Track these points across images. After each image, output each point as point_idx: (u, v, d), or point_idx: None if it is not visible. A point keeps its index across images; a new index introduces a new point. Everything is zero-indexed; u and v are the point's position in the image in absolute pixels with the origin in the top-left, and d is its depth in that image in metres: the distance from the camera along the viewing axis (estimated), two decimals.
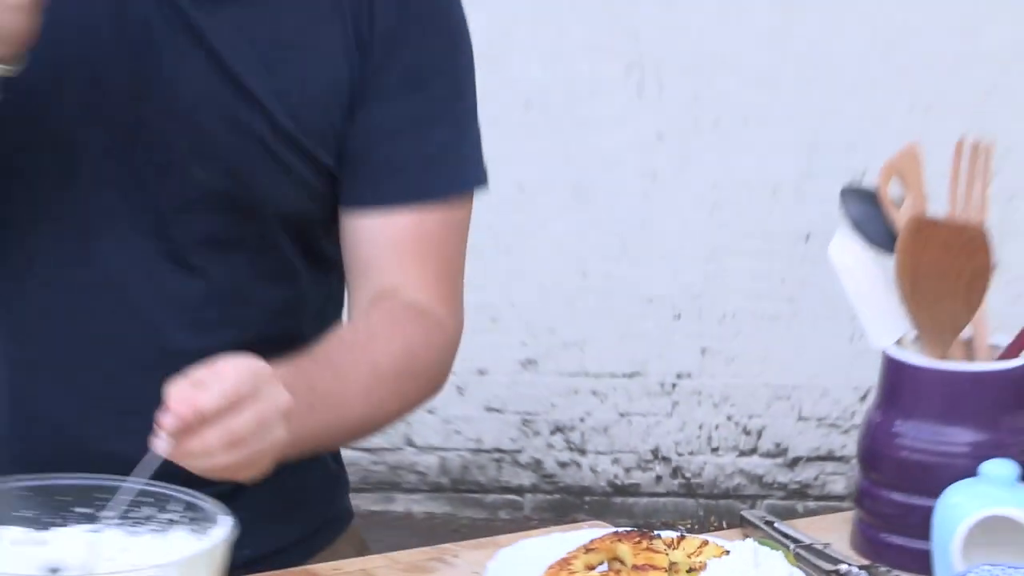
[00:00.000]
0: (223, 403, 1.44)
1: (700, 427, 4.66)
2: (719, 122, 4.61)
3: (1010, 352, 1.72)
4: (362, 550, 1.96)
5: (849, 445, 4.61)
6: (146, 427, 1.47)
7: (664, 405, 4.65)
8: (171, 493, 1.46)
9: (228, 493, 1.64)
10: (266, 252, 1.78)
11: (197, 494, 1.45)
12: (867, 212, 1.76)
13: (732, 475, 4.68)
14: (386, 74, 1.78)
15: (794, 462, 4.68)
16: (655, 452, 4.68)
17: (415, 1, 1.80)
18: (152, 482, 1.47)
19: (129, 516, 1.48)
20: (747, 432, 4.67)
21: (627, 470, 4.68)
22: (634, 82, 4.59)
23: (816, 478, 4.68)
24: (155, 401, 1.47)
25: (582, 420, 4.65)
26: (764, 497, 4.67)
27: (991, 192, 1.76)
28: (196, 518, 1.44)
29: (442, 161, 1.81)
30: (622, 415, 4.66)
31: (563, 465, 4.66)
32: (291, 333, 1.79)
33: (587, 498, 4.68)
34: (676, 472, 4.68)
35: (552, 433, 4.64)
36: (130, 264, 1.74)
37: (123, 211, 1.73)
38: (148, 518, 1.47)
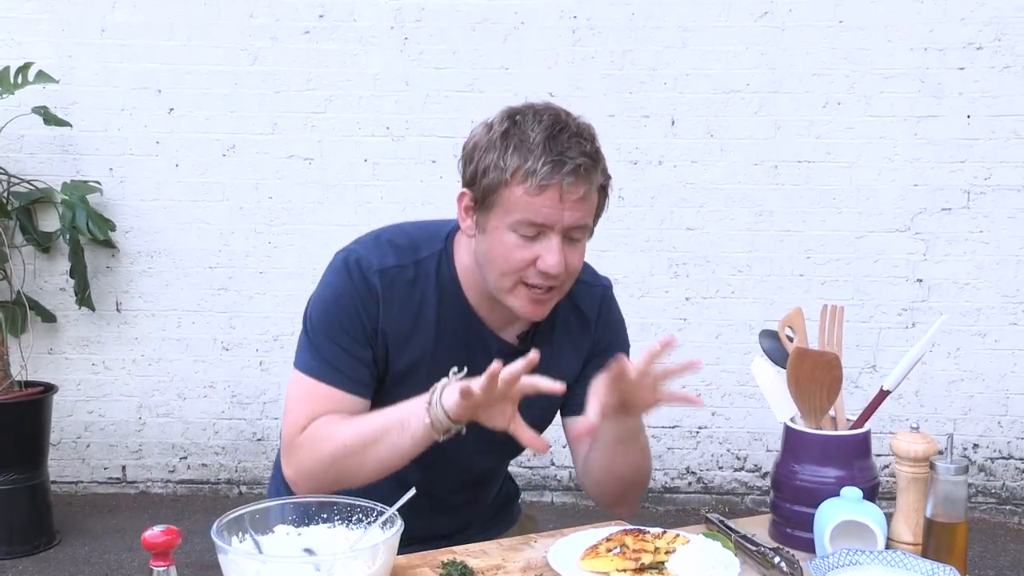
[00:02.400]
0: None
1: (712, 455, 4.51)
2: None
3: (856, 425, 1.70)
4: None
5: None
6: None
7: (692, 443, 4.50)
8: (373, 507, 1.42)
9: (464, 502, 1.82)
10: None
11: (385, 507, 1.40)
12: (773, 345, 1.74)
13: (731, 482, 4.51)
14: (589, 370, 1.73)
15: (764, 475, 4.49)
16: (688, 468, 4.52)
17: (608, 338, 1.82)
18: (362, 499, 1.43)
19: (350, 520, 1.43)
20: (738, 458, 4.50)
21: (672, 479, 4.53)
22: None
23: None
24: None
25: None
26: (748, 494, 4.48)
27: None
28: (385, 522, 1.39)
29: None
30: (668, 448, 4.52)
31: None
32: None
33: (650, 495, 4.52)
34: (700, 480, 4.52)
35: None
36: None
37: (470, 455, 1.73)
38: (359, 521, 1.43)
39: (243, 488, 4.56)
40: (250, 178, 4.41)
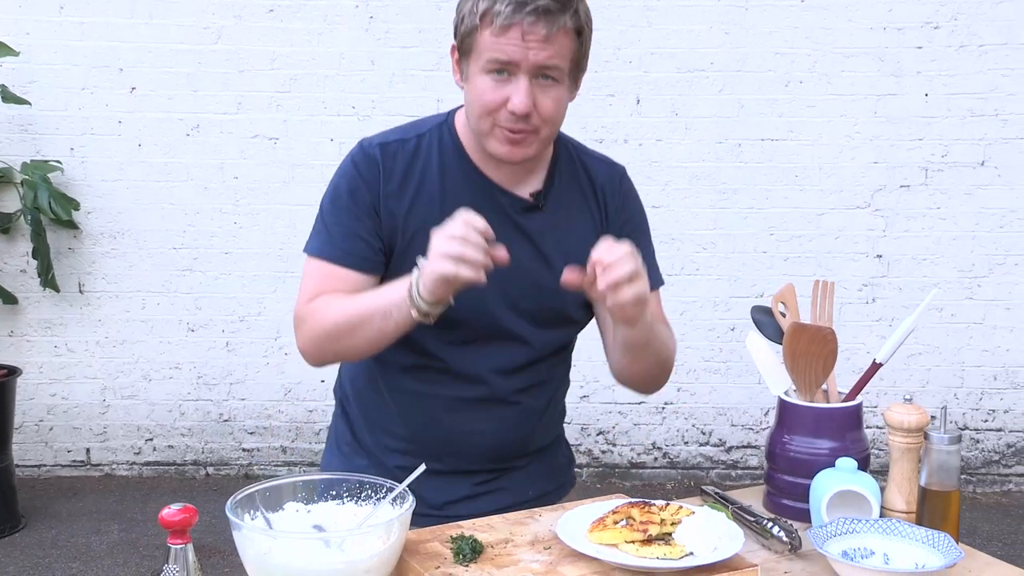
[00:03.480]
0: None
1: (677, 430, 4.55)
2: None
3: (848, 397, 1.74)
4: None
5: (758, 439, 4.50)
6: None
7: (658, 419, 4.54)
8: (383, 483, 1.42)
9: (524, 465, 1.83)
10: (553, 329, 1.79)
11: (396, 484, 1.41)
12: (766, 320, 1.76)
13: (696, 456, 4.56)
14: (615, 233, 1.73)
15: (729, 449, 4.55)
16: (654, 444, 4.57)
17: (623, 213, 1.81)
18: (371, 476, 1.43)
19: (359, 496, 1.43)
20: (703, 433, 4.55)
21: (638, 455, 4.57)
22: None
23: (741, 457, 4.55)
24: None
25: (614, 426, 4.55)
26: (712, 468, 4.54)
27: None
28: (395, 498, 1.39)
29: (652, 270, 1.78)
30: (634, 424, 4.55)
31: (603, 452, 4.56)
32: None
33: (616, 470, 4.56)
34: (665, 455, 4.56)
35: (598, 434, 4.54)
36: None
37: (499, 327, 1.74)
38: (368, 497, 1.43)
39: (210, 469, 4.53)
40: (214, 158, 4.36)
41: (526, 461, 1.85)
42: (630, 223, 1.82)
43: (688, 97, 4.34)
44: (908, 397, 1.65)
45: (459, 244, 1.48)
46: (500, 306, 1.73)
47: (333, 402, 1.95)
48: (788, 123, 4.34)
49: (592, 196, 1.80)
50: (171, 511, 1.26)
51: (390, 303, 1.58)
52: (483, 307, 1.71)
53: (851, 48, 4.28)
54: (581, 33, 1.65)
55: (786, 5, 4.27)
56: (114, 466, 4.52)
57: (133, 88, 4.32)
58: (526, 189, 1.75)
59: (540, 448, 1.88)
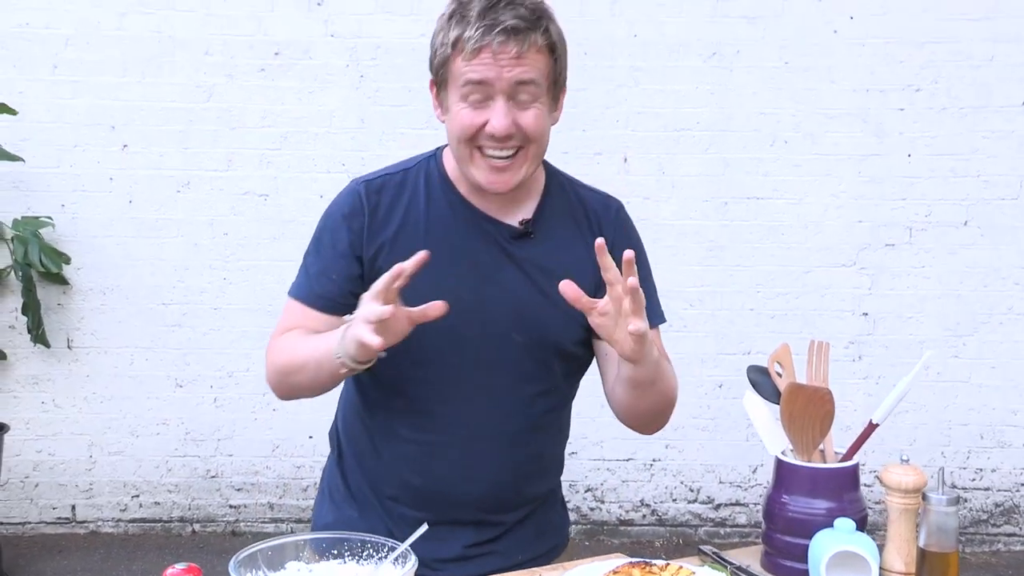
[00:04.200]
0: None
1: (666, 487, 4.52)
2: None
3: (845, 457, 1.73)
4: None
5: (747, 497, 4.47)
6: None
7: (646, 476, 4.52)
8: (384, 543, 1.41)
9: (516, 522, 1.79)
10: (546, 365, 1.77)
11: (398, 543, 1.39)
12: (762, 380, 1.76)
13: (684, 514, 4.53)
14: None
15: (717, 507, 4.52)
16: (642, 501, 4.53)
17: (621, 243, 1.73)
18: (373, 536, 1.42)
19: (361, 556, 1.42)
20: (691, 490, 4.52)
21: (627, 512, 4.54)
22: None
23: (730, 515, 4.52)
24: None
25: (602, 483, 4.52)
26: (701, 526, 4.51)
27: None
28: (398, 557, 1.38)
29: (654, 305, 1.80)
30: (623, 481, 4.53)
31: (592, 509, 4.52)
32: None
33: (605, 527, 4.52)
34: (654, 512, 4.53)
35: (586, 491, 4.51)
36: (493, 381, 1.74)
37: (488, 362, 1.72)
38: (370, 557, 1.41)
39: (196, 527, 4.47)
40: (205, 214, 4.36)
41: (519, 516, 1.81)
42: (636, 249, 1.79)
43: (675, 156, 4.37)
44: (905, 458, 1.64)
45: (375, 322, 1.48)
46: (491, 335, 1.70)
47: (321, 458, 1.94)
48: (773, 182, 4.37)
49: (586, 225, 1.78)
50: (175, 571, 1.25)
51: (322, 354, 1.60)
52: (474, 335, 1.69)
53: (834, 109, 4.33)
54: (554, 50, 1.66)
55: (770, 66, 4.33)
56: (100, 523, 4.45)
57: (125, 145, 4.32)
58: (515, 218, 1.73)
59: (533, 500, 1.84)
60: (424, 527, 1.43)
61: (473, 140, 1.63)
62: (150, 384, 4.41)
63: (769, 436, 1.73)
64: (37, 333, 4.18)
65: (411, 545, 1.41)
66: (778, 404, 1.70)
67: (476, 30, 1.59)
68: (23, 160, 4.17)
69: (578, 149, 4.33)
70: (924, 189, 4.36)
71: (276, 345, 1.72)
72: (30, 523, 4.44)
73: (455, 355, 1.70)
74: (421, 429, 1.73)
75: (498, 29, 1.58)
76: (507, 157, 1.63)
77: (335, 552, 1.43)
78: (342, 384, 1.85)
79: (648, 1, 4.30)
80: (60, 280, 4.26)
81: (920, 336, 4.38)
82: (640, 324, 1.48)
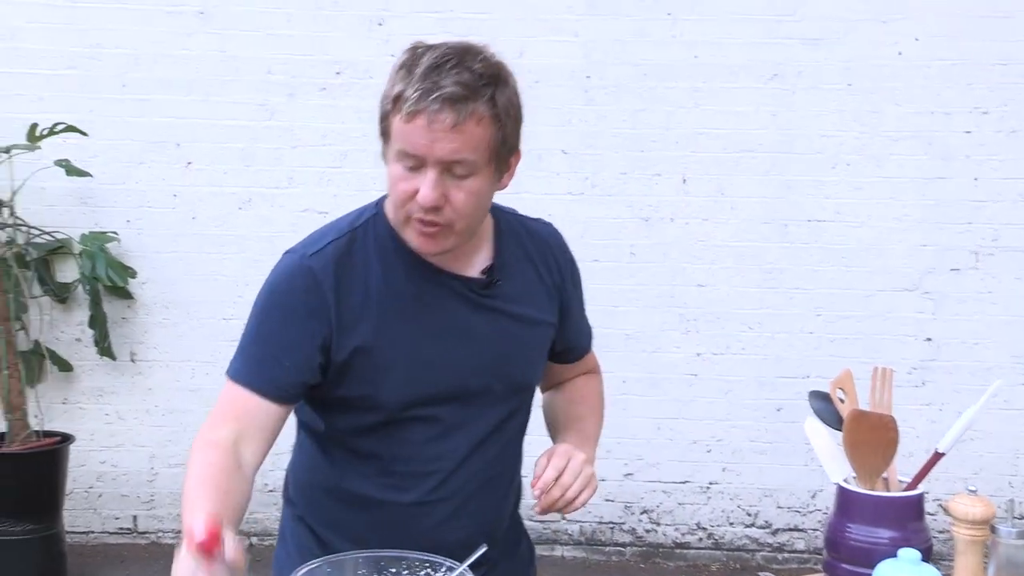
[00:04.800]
0: (562, 466, 1.59)
1: (723, 511, 4.46)
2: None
3: (910, 486, 1.69)
4: None
5: (805, 522, 4.40)
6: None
7: (703, 498, 4.46)
8: (442, 563, 1.40)
9: (490, 561, 1.67)
10: (522, 402, 1.76)
11: (457, 564, 1.38)
12: (824, 407, 1.73)
13: (741, 538, 4.46)
14: (568, 301, 1.78)
15: (775, 532, 4.45)
16: (699, 524, 4.48)
17: (570, 270, 1.79)
18: (430, 555, 1.41)
19: (416, 574, 1.41)
20: (748, 514, 4.46)
21: (683, 535, 4.48)
22: None
23: (788, 540, 4.45)
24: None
25: (658, 505, 4.47)
26: (759, 551, 4.44)
27: None
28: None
29: (587, 329, 1.88)
30: (679, 504, 4.47)
31: (647, 531, 4.47)
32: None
33: (660, 550, 4.47)
34: (710, 536, 4.47)
35: (642, 513, 4.47)
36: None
37: (470, 416, 1.68)
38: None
39: (254, 540, 4.49)
40: (265, 231, 4.40)
41: (494, 555, 1.68)
42: (574, 278, 1.81)
43: (734, 177, 4.33)
44: (972, 488, 1.60)
45: None
46: (472, 391, 1.65)
47: None
48: (835, 204, 4.31)
49: (539, 257, 1.73)
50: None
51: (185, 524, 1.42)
52: (454, 394, 1.64)
53: (899, 131, 4.27)
54: (499, 119, 1.53)
55: (833, 88, 4.27)
56: (160, 534, 4.50)
57: (189, 163, 4.38)
58: (474, 268, 1.66)
59: (505, 537, 1.79)
60: (483, 548, 1.41)
61: (406, 204, 1.53)
62: (210, 397, 4.39)
63: (831, 463, 1.69)
64: (103, 346, 4.25)
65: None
66: (840, 431, 1.67)
67: (415, 91, 1.47)
68: (91, 176, 4.25)
69: (636, 170, 4.31)
70: (991, 213, 4.27)
71: (194, 456, 1.54)
72: (93, 532, 4.49)
73: (439, 416, 1.63)
74: (402, 491, 1.66)
75: (435, 96, 1.47)
76: (436, 224, 1.54)
77: (393, 570, 1.42)
78: (295, 440, 1.81)
79: (709, 23, 4.27)
80: (125, 294, 4.32)
81: (986, 363, 4.28)
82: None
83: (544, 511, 1.58)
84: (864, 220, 4.31)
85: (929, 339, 4.33)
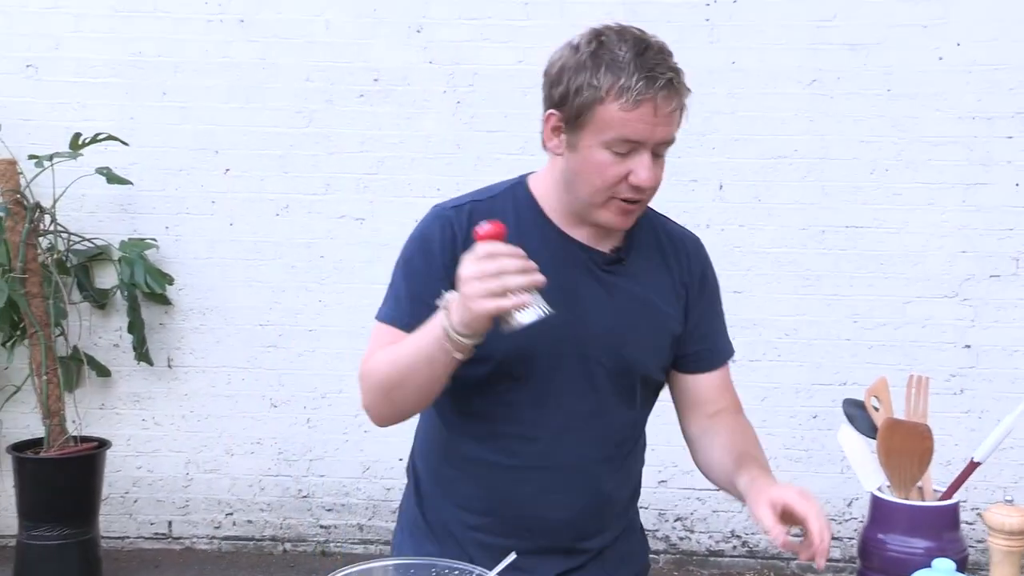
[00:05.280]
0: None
1: None
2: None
3: (945, 496, 1.68)
4: None
5: (841, 531, 4.36)
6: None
7: (737, 506, 4.43)
8: (472, 570, 1.41)
9: (597, 550, 1.79)
10: (630, 390, 1.78)
11: (485, 571, 1.38)
12: (859, 414, 1.73)
13: (775, 546, 4.42)
14: (694, 303, 1.81)
15: None
16: (733, 532, 4.46)
17: (700, 275, 1.83)
18: (461, 563, 1.41)
19: None
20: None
21: (717, 542, 4.46)
22: None
23: None
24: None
25: (692, 513, 4.45)
26: (793, 559, 4.41)
27: None
28: None
29: (726, 343, 1.86)
30: (713, 511, 4.45)
31: (681, 539, 4.46)
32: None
33: (694, 558, 4.45)
34: (744, 544, 4.45)
35: (675, 520, 4.45)
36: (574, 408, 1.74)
37: (575, 386, 1.72)
38: None
39: (287, 546, 4.52)
40: (303, 237, 4.43)
41: (604, 542, 1.80)
42: (703, 284, 1.83)
43: (771, 183, 4.31)
44: (1009, 498, 1.58)
45: (494, 279, 1.44)
46: (581, 361, 1.70)
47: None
48: (873, 210, 4.28)
49: (672, 252, 1.80)
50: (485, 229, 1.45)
51: (429, 348, 1.55)
52: (564, 360, 1.69)
53: (939, 137, 4.23)
54: (685, 105, 1.67)
55: (872, 94, 4.24)
56: (194, 539, 4.54)
57: (227, 169, 4.43)
58: (605, 245, 1.74)
59: (617, 525, 1.84)
60: (512, 556, 1.42)
61: (612, 187, 1.63)
62: (245, 404, 4.49)
63: (864, 471, 1.68)
64: (141, 352, 4.30)
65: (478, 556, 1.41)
66: (875, 439, 1.66)
67: (637, 81, 1.57)
68: (132, 183, 4.30)
69: (673, 176, 4.26)
70: None
71: (369, 366, 1.67)
72: (129, 537, 4.54)
73: (544, 379, 1.69)
74: (509, 454, 1.72)
75: (660, 83, 1.57)
76: (639, 202, 1.66)
77: None
78: (417, 417, 1.85)
79: (748, 29, 4.26)
80: (163, 300, 4.37)
81: None
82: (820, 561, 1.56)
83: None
84: (902, 226, 4.27)
85: (968, 346, 4.28)
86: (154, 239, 4.37)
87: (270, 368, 4.48)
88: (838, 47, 4.24)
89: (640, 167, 1.60)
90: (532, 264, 1.47)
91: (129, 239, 4.32)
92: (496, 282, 1.43)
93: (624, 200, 1.63)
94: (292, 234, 4.43)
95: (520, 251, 1.47)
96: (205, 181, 4.43)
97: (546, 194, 1.73)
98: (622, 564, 1.86)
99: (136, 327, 4.26)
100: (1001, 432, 1.67)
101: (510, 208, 1.72)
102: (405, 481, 1.95)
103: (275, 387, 4.48)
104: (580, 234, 1.72)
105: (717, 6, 4.27)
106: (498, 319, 1.47)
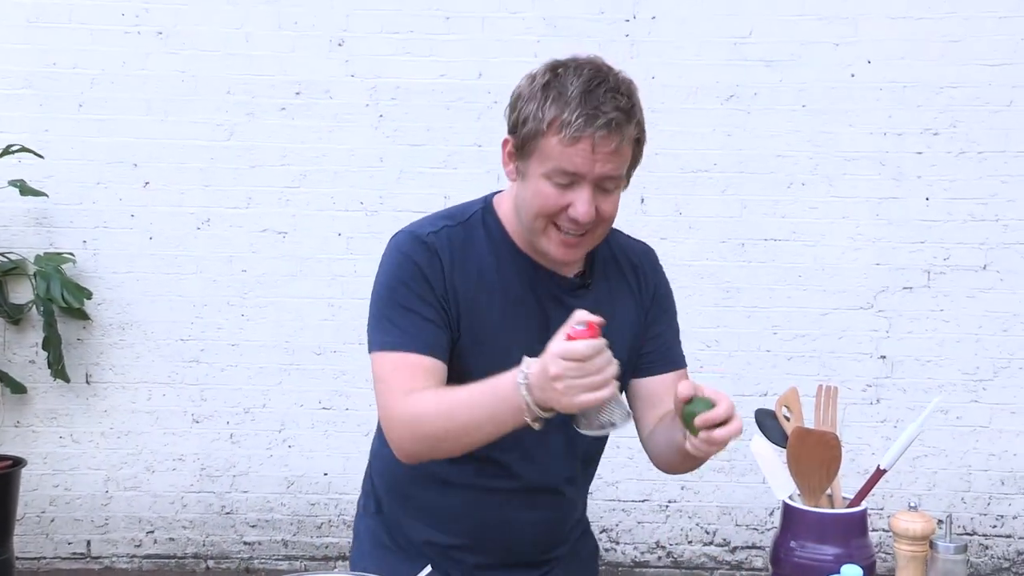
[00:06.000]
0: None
1: (681, 529, 4.50)
2: None
3: (853, 503, 1.72)
4: None
5: (763, 540, 4.44)
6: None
7: (662, 517, 4.49)
8: None
9: (560, 557, 1.86)
10: None
11: None
12: (770, 424, 1.77)
13: (700, 556, 4.49)
14: (655, 317, 1.85)
15: (733, 550, 4.49)
16: (658, 543, 4.51)
17: (654, 286, 1.87)
18: None
19: None
20: (707, 532, 4.49)
21: (642, 553, 4.51)
22: None
23: (746, 558, 4.48)
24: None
25: (617, 524, 4.49)
26: (717, 568, 4.47)
27: None
28: None
29: (680, 349, 1.90)
30: (638, 522, 4.50)
31: (607, 550, 4.50)
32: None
33: (620, 569, 4.50)
34: (669, 555, 4.50)
35: (600, 532, 4.49)
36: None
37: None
38: None
39: (210, 563, 4.47)
40: (224, 251, 4.40)
41: (563, 550, 1.88)
42: (666, 301, 1.89)
43: (691, 197, 4.38)
44: (914, 504, 1.64)
45: (593, 377, 1.46)
46: (555, 452, 1.77)
47: (336, 496, 1.94)
48: (791, 224, 4.38)
49: (631, 272, 1.84)
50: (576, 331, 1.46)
51: (499, 412, 1.54)
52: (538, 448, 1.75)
53: (852, 152, 4.34)
54: (640, 142, 1.67)
55: (787, 109, 4.34)
56: (114, 559, 4.46)
57: (146, 183, 4.37)
58: (569, 270, 1.77)
59: (576, 531, 1.93)
60: (427, 569, 1.42)
61: (551, 216, 1.65)
62: (167, 419, 4.43)
63: (776, 480, 1.72)
64: (57, 368, 4.22)
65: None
66: (785, 448, 1.70)
67: (577, 117, 1.58)
68: (47, 196, 4.23)
69: None
70: (942, 233, 4.35)
71: (416, 413, 1.62)
72: (45, 558, 4.45)
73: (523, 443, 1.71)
74: (484, 476, 1.76)
75: (600, 122, 1.58)
76: (581, 234, 1.67)
77: None
78: (375, 434, 1.87)
79: (666, 45, 4.34)
80: (81, 315, 4.30)
81: (939, 380, 4.35)
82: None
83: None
84: (819, 239, 4.37)
85: (883, 357, 4.39)
86: (71, 253, 4.30)
87: (192, 383, 4.43)
88: (755, 63, 4.34)
89: (579, 200, 1.61)
90: (616, 370, 1.49)
91: (45, 253, 4.24)
92: (590, 381, 1.46)
93: (566, 233, 1.65)
94: (213, 248, 4.39)
95: (610, 355, 1.48)
96: (124, 195, 4.37)
97: (509, 219, 1.75)
98: (581, 567, 1.94)
99: (52, 343, 4.18)
100: (906, 439, 1.72)
101: (483, 236, 1.74)
102: (331, 496, 1.96)
103: (197, 402, 4.43)
104: (544, 260, 1.75)
105: (637, 22, 4.34)
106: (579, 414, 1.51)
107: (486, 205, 1.79)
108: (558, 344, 1.48)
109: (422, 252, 1.69)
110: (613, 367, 1.47)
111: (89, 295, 4.28)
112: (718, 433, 1.53)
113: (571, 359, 1.45)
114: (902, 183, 4.34)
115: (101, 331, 4.39)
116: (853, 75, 4.32)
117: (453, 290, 1.69)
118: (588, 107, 1.58)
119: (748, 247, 4.39)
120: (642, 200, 4.38)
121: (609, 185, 1.64)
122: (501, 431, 1.57)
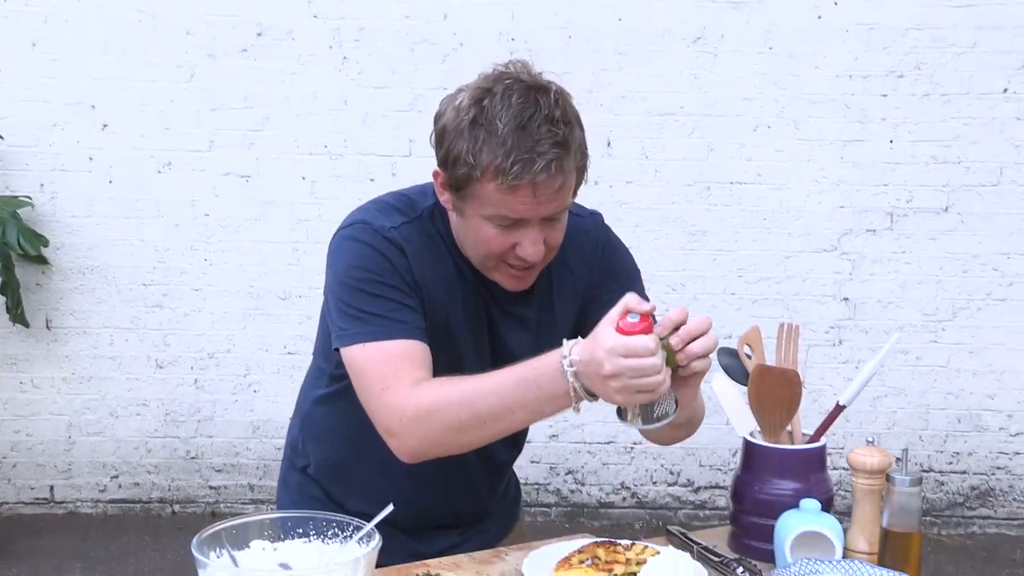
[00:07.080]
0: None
1: (646, 470, 4.56)
2: None
3: (812, 439, 1.76)
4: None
5: (726, 480, 4.50)
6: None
7: (627, 459, 4.55)
8: (350, 522, 1.42)
9: (491, 511, 1.88)
10: None
11: (363, 523, 1.41)
12: (732, 363, 1.79)
13: (664, 496, 4.56)
14: (601, 285, 1.76)
15: (697, 489, 4.56)
16: (623, 484, 4.57)
17: (610, 262, 1.79)
18: (339, 514, 1.43)
19: (326, 535, 1.44)
20: (671, 473, 4.56)
21: (607, 494, 4.57)
22: None
23: (709, 498, 4.56)
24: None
25: (583, 466, 4.55)
26: (681, 508, 4.55)
27: None
28: (362, 537, 1.40)
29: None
30: (603, 464, 4.56)
31: (572, 492, 4.55)
32: None
33: (585, 510, 4.56)
34: (634, 495, 4.57)
35: (566, 474, 4.54)
36: None
37: None
38: (335, 535, 1.43)
39: (176, 507, 4.48)
40: (186, 195, 4.36)
41: (491, 508, 1.91)
42: (619, 268, 1.78)
43: (658, 140, 4.38)
44: (871, 439, 1.67)
45: (652, 378, 1.39)
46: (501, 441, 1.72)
47: None
48: (756, 167, 4.40)
49: (576, 257, 1.75)
50: (628, 323, 1.38)
51: (534, 399, 1.46)
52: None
53: (817, 95, 4.35)
54: (583, 158, 1.58)
55: (754, 51, 4.34)
56: (78, 504, 4.46)
57: (105, 125, 4.32)
58: None
59: (500, 492, 1.94)
60: (389, 507, 1.43)
61: (500, 257, 1.59)
62: (130, 365, 4.42)
63: (738, 418, 1.75)
64: (16, 313, 4.18)
65: (395, 541, 1.43)
66: (746, 385, 1.73)
67: (514, 164, 1.46)
68: (2, 138, 4.16)
69: None
70: (905, 175, 4.39)
71: (429, 405, 1.51)
72: (7, 503, 4.45)
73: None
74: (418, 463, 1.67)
75: (539, 166, 1.46)
76: (531, 267, 1.61)
77: (300, 531, 1.44)
78: (303, 399, 1.89)
79: None
80: (39, 260, 4.26)
81: (900, 321, 4.42)
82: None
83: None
84: (784, 182, 4.40)
85: (846, 299, 4.45)
86: (28, 197, 4.25)
87: (155, 328, 4.41)
88: (721, 5, 4.32)
89: (526, 241, 1.55)
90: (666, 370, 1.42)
91: (1, 196, 4.18)
92: (649, 381, 1.39)
93: (516, 267, 1.60)
94: (175, 192, 4.35)
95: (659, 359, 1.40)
96: (81, 137, 4.31)
97: (453, 222, 1.66)
98: (504, 517, 1.96)
99: (10, 287, 4.14)
100: (864, 376, 1.75)
101: (437, 239, 1.66)
102: None
103: (160, 347, 4.42)
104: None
105: None
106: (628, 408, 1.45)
107: (435, 208, 1.67)
108: (612, 337, 1.38)
109: (388, 246, 1.60)
110: (661, 386, 1.41)
111: (46, 243, 4.23)
112: (695, 346, 1.45)
113: (630, 357, 1.37)
114: (867, 126, 4.37)
115: (61, 276, 4.36)
116: (820, 16, 4.32)
117: (419, 283, 1.62)
118: (523, 150, 1.47)
119: (714, 190, 4.41)
120: (608, 143, 4.38)
121: (556, 217, 1.56)
122: (534, 419, 1.51)
